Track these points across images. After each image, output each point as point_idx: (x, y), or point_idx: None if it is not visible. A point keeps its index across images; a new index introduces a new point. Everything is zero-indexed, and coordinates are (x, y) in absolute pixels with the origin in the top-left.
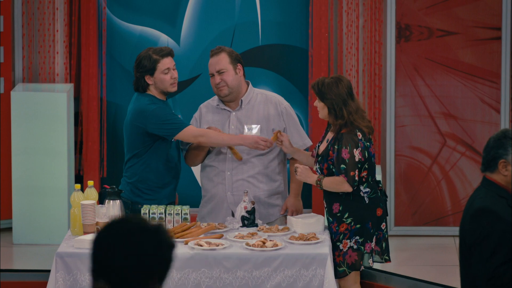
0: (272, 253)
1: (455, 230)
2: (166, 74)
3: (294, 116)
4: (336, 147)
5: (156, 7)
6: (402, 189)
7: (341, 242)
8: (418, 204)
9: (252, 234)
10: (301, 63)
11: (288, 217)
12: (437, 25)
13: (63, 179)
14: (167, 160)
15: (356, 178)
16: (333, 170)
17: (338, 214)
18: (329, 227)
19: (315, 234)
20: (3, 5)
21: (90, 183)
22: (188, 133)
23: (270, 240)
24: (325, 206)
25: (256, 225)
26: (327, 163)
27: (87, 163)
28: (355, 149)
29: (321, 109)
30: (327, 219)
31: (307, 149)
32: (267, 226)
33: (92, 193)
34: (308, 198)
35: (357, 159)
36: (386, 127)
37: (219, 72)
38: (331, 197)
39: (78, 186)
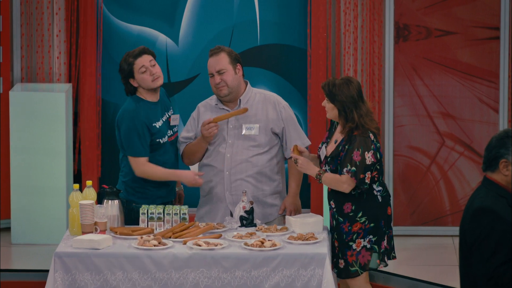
0: (270, 253)
1: (454, 230)
2: (143, 73)
3: (293, 115)
4: (346, 147)
5: (155, 7)
6: (400, 189)
7: (355, 242)
8: (416, 204)
9: (251, 234)
10: (300, 63)
11: (287, 217)
12: (436, 25)
13: (61, 179)
14: (158, 161)
15: (366, 180)
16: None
17: (351, 214)
18: (339, 227)
19: (313, 234)
20: (1, 5)
21: (89, 183)
22: (135, 164)
23: (269, 240)
24: (333, 206)
25: (255, 225)
26: (337, 164)
27: (85, 163)
28: (366, 152)
29: (331, 110)
30: (337, 219)
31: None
32: (266, 226)
33: (90, 193)
34: (307, 198)
35: (369, 162)
36: (385, 127)
37: (219, 72)
38: (342, 197)
39: (76, 186)
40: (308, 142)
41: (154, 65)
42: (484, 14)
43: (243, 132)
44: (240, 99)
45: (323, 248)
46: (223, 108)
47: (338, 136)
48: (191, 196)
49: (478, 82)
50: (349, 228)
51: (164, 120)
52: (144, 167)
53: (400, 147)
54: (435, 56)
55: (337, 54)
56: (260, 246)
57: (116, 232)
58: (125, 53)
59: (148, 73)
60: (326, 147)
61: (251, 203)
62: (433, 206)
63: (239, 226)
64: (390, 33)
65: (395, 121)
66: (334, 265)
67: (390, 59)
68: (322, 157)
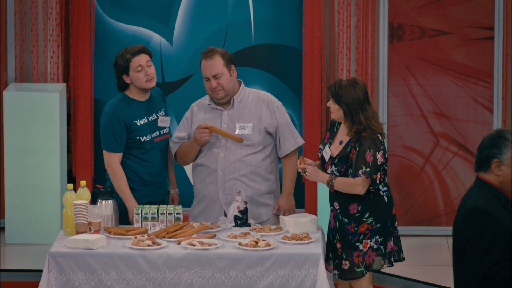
0: (264, 253)
1: (448, 229)
2: (139, 72)
3: (286, 114)
4: (357, 149)
5: (149, 7)
6: (394, 189)
7: (361, 243)
8: (410, 203)
9: (245, 234)
10: (294, 62)
11: (281, 216)
12: (430, 25)
13: (55, 178)
14: (141, 159)
15: (378, 181)
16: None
17: (357, 215)
18: (343, 229)
19: (308, 234)
20: None
21: (83, 182)
22: (107, 157)
23: (263, 240)
24: (337, 207)
25: (249, 225)
26: (346, 165)
27: (79, 162)
28: (377, 152)
29: (336, 112)
30: (341, 220)
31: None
32: (260, 226)
33: (84, 193)
34: (301, 198)
35: (379, 162)
36: None
37: (215, 77)
38: (347, 197)
39: (70, 186)
40: (301, 142)
41: (150, 66)
42: (478, 14)
43: (237, 131)
44: (233, 99)
45: (317, 248)
46: (217, 108)
47: (342, 136)
48: (185, 196)
49: (473, 82)
50: (356, 229)
51: (150, 119)
52: (113, 162)
53: (394, 147)
54: (429, 56)
55: (331, 53)
56: (254, 246)
57: (110, 232)
58: (123, 48)
59: (144, 73)
60: (329, 147)
61: (245, 203)
62: (427, 206)
63: (233, 226)
64: (384, 33)
65: (389, 121)
66: (336, 266)
67: (384, 59)
68: (327, 158)
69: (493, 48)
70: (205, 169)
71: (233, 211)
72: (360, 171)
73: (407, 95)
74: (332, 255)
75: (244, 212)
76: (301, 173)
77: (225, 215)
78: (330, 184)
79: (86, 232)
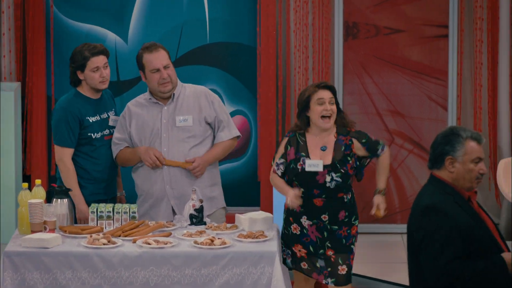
0: (220, 251)
1: (403, 227)
2: (95, 72)
3: (224, 107)
4: (363, 140)
5: (104, 5)
6: None
7: (354, 245)
8: (365, 201)
9: (201, 232)
10: (249, 61)
11: (237, 215)
12: (384, 23)
13: (10, 177)
14: (91, 157)
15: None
16: (368, 159)
17: (346, 220)
18: (334, 235)
19: (263, 232)
20: None
21: (38, 182)
22: (59, 153)
23: (219, 238)
24: (325, 219)
25: (205, 223)
26: (350, 163)
27: (34, 162)
28: None
29: (334, 114)
30: (331, 229)
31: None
32: (216, 224)
33: (39, 192)
34: (256, 197)
35: None
36: None
37: (166, 67)
38: (336, 207)
39: (25, 185)
40: (237, 133)
41: (106, 68)
42: (433, 12)
43: (177, 123)
44: (173, 94)
45: (273, 246)
46: (157, 103)
47: (322, 142)
48: (135, 195)
49: (427, 80)
50: (348, 231)
51: (101, 117)
52: (65, 157)
53: None
54: (384, 54)
55: (287, 52)
56: (209, 244)
57: (65, 231)
58: (82, 44)
59: (99, 74)
60: (307, 159)
61: (201, 201)
62: None
63: (189, 224)
64: (339, 31)
65: None
66: (330, 274)
67: (340, 57)
68: (320, 168)
69: (448, 46)
70: (148, 168)
71: (188, 209)
72: (380, 148)
73: (362, 93)
74: (320, 266)
75: (200, 210)
76: (380, 215)
77: (173, 210)
78: (384, 190)
79: (41, 231)
